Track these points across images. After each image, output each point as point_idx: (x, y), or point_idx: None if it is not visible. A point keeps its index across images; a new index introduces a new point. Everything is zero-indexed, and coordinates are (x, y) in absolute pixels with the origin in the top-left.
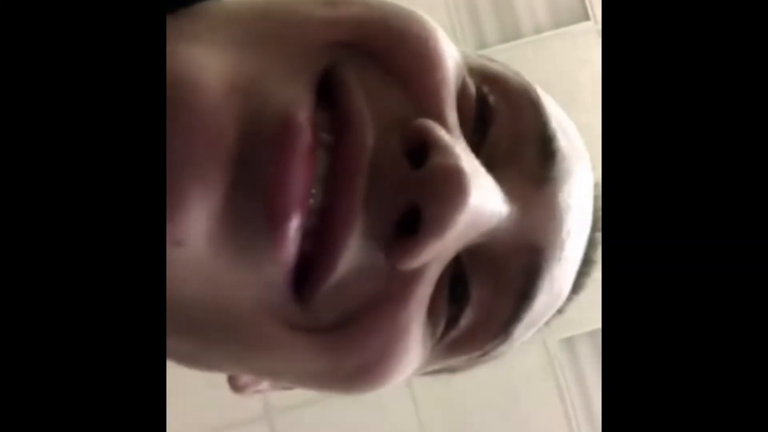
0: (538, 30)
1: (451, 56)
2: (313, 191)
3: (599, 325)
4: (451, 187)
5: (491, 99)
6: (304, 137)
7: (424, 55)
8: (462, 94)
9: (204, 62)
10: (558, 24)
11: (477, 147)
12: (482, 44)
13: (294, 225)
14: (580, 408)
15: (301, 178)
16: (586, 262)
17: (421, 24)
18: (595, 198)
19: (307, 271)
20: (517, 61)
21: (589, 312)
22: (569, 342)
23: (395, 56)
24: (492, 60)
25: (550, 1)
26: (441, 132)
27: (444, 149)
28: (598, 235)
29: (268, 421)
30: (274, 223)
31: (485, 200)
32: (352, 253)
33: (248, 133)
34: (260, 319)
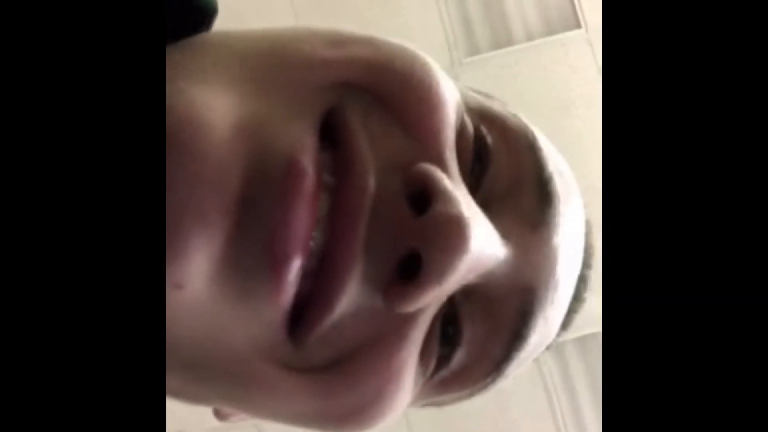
0: (529, 37)
1: (452, 98)
2: (314, 233)
3: (587, 331)
4: (452, 236)
5: (489, 140)
6: (309, 181)
7: (426, 98)
8: (460, 134)
9: (210, 102)
10: (549, 31)
11: (474, 187)
12: (474, 51)
13: (295, 268)
14: (569, 413)
15: (304, 222)
16: (575, 299)
17: (424, 66)
18: (586, 235)
19: (304, 310)
20: (509, 67)
21: (578, 318)
22: (558, 348)
23: (399, 99)
24: (490, 97)
25: (541, 9)
26: (443, 178)
27: (446, 197)
28: (588, 273)
29: (256, 422)
30: (276, 266)
31: (485, 246)
32: (350, 296)
33: (252, 176)
34: (254, 359)
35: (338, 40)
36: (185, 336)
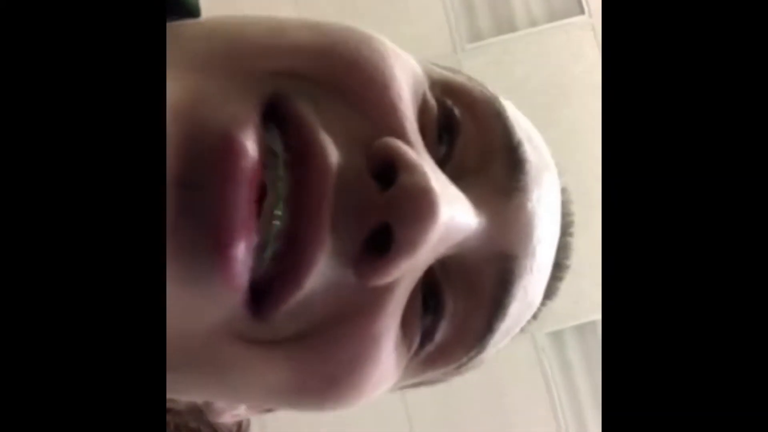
0: (532, 23)
1: (407, 72)
2: (278, 212)
3: (586, 318)
4: (421, 206)
5: (456, 111)
6: (246, 156)
7: (374, 77)
8: (423, 108)
9: None
10: (553, 17)
11: (444, 160)
12: (477, 37)
13: (241, 250)
14: (567, 400)
15: (245, 199)
16: (557, 267)
17: (371, 47)
18: (564, 203)
19: (270, 286)
20: (511, 54)
21: (576, 306)
22: (557, 335)
23: (346, 83)
24: (456, 71)
25: None
26: (407, 150)
27: (412, 168)
28: (569, 240)
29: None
30: (220, 251)
31: (455, 215)
32: (319, 272)
33: (189, 157)
34: (217, 340)
35: (280, 27)
36: None
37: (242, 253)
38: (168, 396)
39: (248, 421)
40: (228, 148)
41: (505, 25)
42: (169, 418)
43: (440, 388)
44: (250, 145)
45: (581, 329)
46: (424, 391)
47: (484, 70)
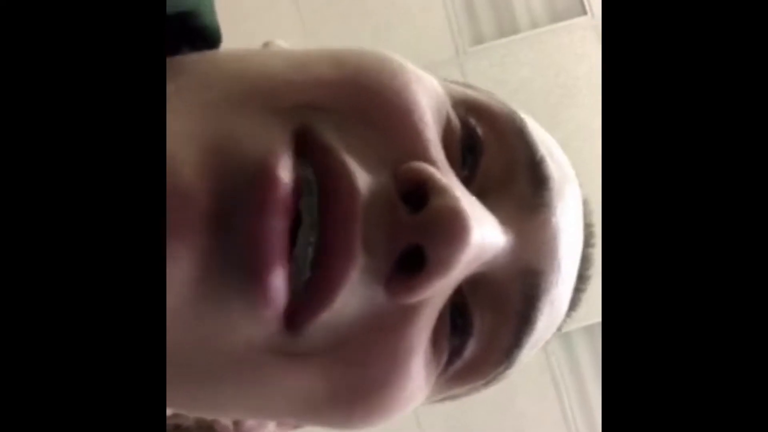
0: (534, 25)
1: (429, 94)
2: (311, 240)
3: (595, 319)
4: (454, 228)
5: (479, 130)
6: (280, 186)
7: (396, 104)
8: (447, 129)
9: (176, 128)
10: (555, 19)
11: (468, 178)
12: (479, 40)
13: (277, 277)
14: (577, 402)
15: (280, 227)
16: (580, 279)
17: (393, 72)
18: (585, 215)
19: (305, 300)
20: (514, 56)
21: (585, 307)
22: (566, 337)
23: (369, 112)
24: (475, 88)
25: None
26: (436, 173)
27: (442, 190)
28: (591, 251)
29: None
30: (255, 280)
31: (486, 235)
32: (350, 290)
33: (224, 190)
34: (251, 354)
35: (301, 62)
36: (175, 342)
37: (278, 281)
38: (207, 414)
39: None
40: (265, 179)
41: (507, 27)
42: None
43: None
44: (286, 175)
45: (590, 330)
46: None
47: (487, 72)
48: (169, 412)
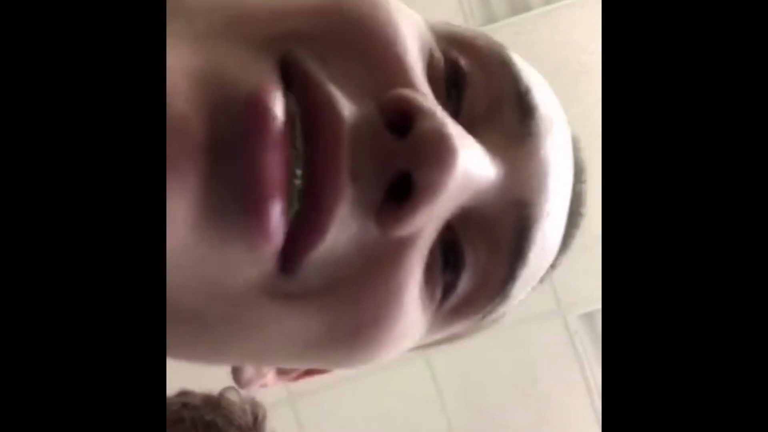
0: (547, 1)
1: (412, 27)
2: (298, 172)
3: None
4: (440, 152)
5: (463, 63)
6: (274, 116)
7: (379, 32)
8: (431, 63)
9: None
10: None
11: (454, 113)
12: (491, 19)
13: (275, 210)
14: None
15: (276, 160)
16: (572, 215)
17: (374, 3)
18: (576, 151)
19: (296, 240)
20: (527, 34)
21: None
22: (589, 317)
23: (351, 40)
24: (461, 27)
25: None
26: (421, 98)
27: (428, 114)
28: (583, 187)
29: (291, 405)
30: (254, 212)
31: (473, 162)
32: (341, 223)
33: (217, 120)
34: (250, 295)
35: None
36: (176, 285)
37: (276, 214)
38: (202, 361)
39: (264, 413)
40: (258, 112)
41: (519, 5)
42: (185, 412)
43: (474, 377)
44: (278, 107)
45: None
46: (456, 377)
47: None
48: (174, 385)
